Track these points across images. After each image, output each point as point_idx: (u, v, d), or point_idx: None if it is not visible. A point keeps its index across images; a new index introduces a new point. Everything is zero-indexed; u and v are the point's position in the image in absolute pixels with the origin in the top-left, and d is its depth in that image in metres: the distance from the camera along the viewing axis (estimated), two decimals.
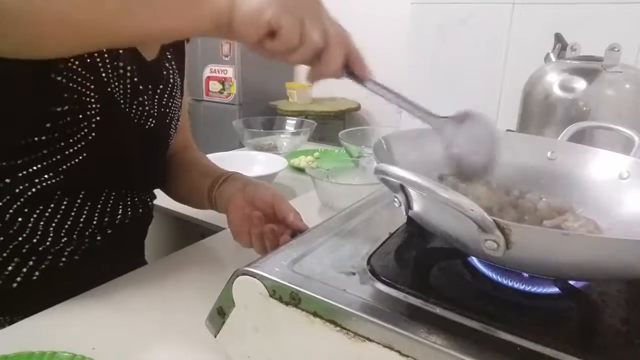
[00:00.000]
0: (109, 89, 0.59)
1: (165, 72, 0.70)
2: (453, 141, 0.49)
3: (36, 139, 0.54)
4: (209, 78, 2.70)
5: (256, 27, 0.41)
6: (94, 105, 0.57)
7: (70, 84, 0.54)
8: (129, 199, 0.67)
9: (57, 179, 0.57)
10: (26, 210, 0.57)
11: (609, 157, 0.52)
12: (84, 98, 0.55)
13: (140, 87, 0.63)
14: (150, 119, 0.66)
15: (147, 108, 0.65)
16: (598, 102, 0.77)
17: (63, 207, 0.59)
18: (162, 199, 0.80)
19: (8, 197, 0.56)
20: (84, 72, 0.55)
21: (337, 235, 0.48)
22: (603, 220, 0.48)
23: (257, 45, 0.43)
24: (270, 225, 0.59)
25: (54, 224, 0.59)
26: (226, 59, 2.61)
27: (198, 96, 2.78)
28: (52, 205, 0.58)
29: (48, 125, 0.54)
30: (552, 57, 0.88)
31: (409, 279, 0.40)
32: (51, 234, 0.59)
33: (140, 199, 0.70)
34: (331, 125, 2.53)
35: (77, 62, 0.55)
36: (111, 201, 0.64)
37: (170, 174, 0.78)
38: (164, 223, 0.91)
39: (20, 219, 0.57)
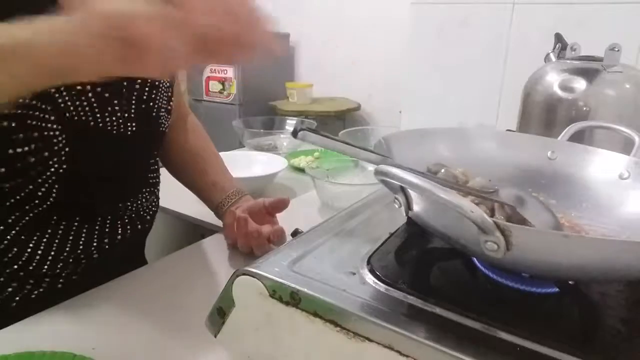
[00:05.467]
0: (68, 115, 0.53)
1: None
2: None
3: (6, 185, 0.52)
4: (209, 78, 2.70)
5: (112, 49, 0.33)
6: (59, 138, 0.53)
7: (28, 121, 0.50)
8: (127, 218, 0.66)
9: (46, 205, 0.55)
10: (23, 237, 0.56)
11: (609, 157, 0.52)
12: (45, 133, 0.51)
13: (107, 94, 0.57)
14: (130, 123, 0.61)
15: (124, 114, 0.60)
16: (598, 102, 0.77)
17: (60, 232, 0.58)
18: (163, 199, 0.80)
19: (2, 227, 0.55)
20: (38, 104, 0.51)
21: (337, 235, 0.48)
22: (603, 220, 0.48)
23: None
24: (255, 225, 0.64)
25: (53, 251, 0.58)
26: None
27: (198, 96, 2.77)
28: (49, 231, 0.57)
29: (3, 170, 0.51)
30: (552, 57, 0.88)
31: (409, 279, 0.40)
32: (49, 260, 0.58)
33: (138, 215, 0.68)
34: (331, 125, 2.53)
35: (26, 99, 0.50)
36: (108, 222, 0.63)
37: (168, 147, 0.77)
38: (164, 223, 0.91)
39: (16, 247, 0.56)
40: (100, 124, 0.57)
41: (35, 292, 0.59)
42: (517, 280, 0.40)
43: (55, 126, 0.52)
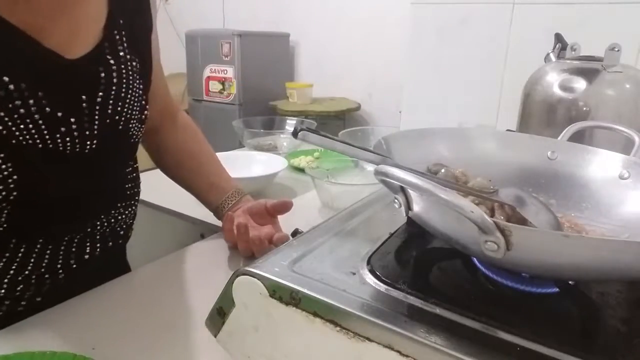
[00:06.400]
0: (14, 142, 0.47)
1: (103, 73, 0.55)
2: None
3: None
4: (209, 78, 2.70)
5: None
6: (4, 166, 0.48)
7: None
8: (98, 235, 0.61)
9: (1, 229, 0.51)
10: None
11: (609, 157, 0.52)
12: None
13: (60, 113, 0.51)
14: (90, 141, 0.55)
15: (84, 132, 0.54)
16: (598, 102, 0.77)
17: (20, 254, 0.53)
18: (163, 199, 0.80)
19: None
20: None
21: (337, 236, 0.48)
22: (603, 220, 0.48)
23: None
24: (257, 232, 0.63)
25: (10, 272, 0.53)
26: (226, 59, 2.61)
27: (198, 96, 2.78)
28: (7, 255, 0.52)
29: None
30: (552, 57, 0.88)
31: (409, 279, 0.40)
32: (5, 282, 0.54)
33: (112, 230, 0.64)
34: (331, 125, 2.53)
35: None
36: (76, 241, 0.58)
37: (160, 149, 0.76)
38: (163, 223, 0.91)
39: None
40: (51, 146, 0.51)
41: None
42: (517, 280, 0.40)
43: None
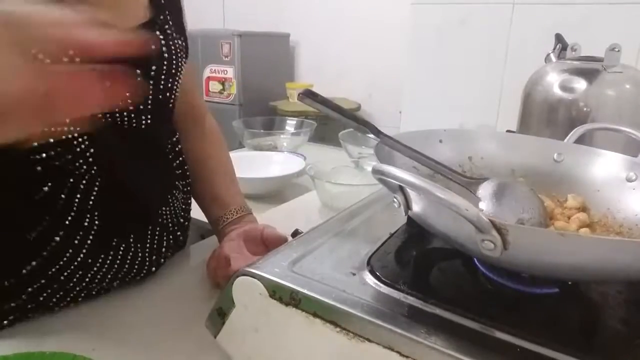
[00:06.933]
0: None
1: (154, 46, 0.55)
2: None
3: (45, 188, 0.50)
4: (209, 78, 2.70)
5: None
6: (79, 140, 0.50)
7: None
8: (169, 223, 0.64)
9: (98, 221, 0.53)
10: (89, 260, 0.54)
11: (616, 159, 0.52)
12: (64, 137, 0.49)
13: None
14: (145, 116, 0.57)
15: (139, 106, 0.56)
16: (598, 103, 0.77)
17: (121, 252, 0.57)
18: None
19: (70, 251, 0.53)
20: None
21: (337, 236, 0.48)
22: (609, 222, 0.48)
23: None
24: (234, 268, 0.57)
25: (114, 268, 0.57)
26: (226, 59, 2.61)
27: None
28: (111, 253, 0.56)
29: (39, 168, 0.49)
30: (553, 57, 0.88)
31: (409, 280, 0.40)
32: (107, 279, 0.57)
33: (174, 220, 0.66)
34: (331, 125, 2.53)
35: None
36: (157, 234, 0.62)
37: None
38: None
39: (80, 272, 0.54)
40: (110, 119, 0.53)
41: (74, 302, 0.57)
42: (517, 281, 0.40)
43: (72, 128, 0.49)
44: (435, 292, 0.40)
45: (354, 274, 0.41)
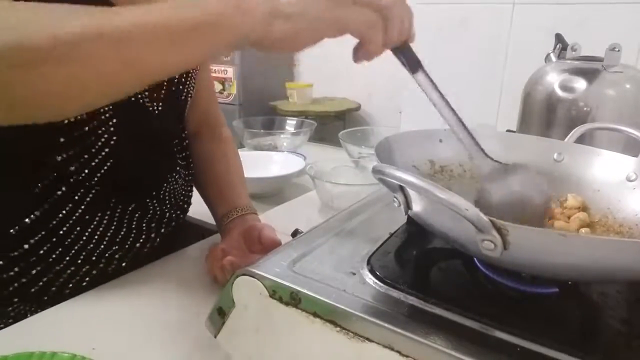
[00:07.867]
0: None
1: None
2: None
3: (64, 155, 0.55)
4: None
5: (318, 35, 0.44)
6: (105, 108, 0.56)
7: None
8: (168, 203, 0.68)
9: (101, 185, 0.58)
10: (87, 217, 0.59)
11: (616, 159, 0.52)
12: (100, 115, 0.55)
13: None
14: (157, 103, 0.63)
15: (152, 93, 0.62)
16: (598, 103, 0.77)
17: (117, 214, 0.61)
18: None
19: (70, 205, 0.57)
20: None
21: (337, 236, 0.48)
22: (609, 222, 0.48)
23: None
24: (230, 258, 0.58)
25: (110, 232, 0.61)
26: (226, 59, 2.61)
27: None
28: (108, 213, 0.60)
29: (63, 140, 0.54)
30: (553, 57, 0.88)
31: (409, 279, 0.40)
32: (105, 242, 0.61)
33: (175, 200, 0.70)
34: (331, 125, 2.52)
35: None
36: (157, 204, 0.66)
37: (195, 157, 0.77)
38: None
39: (78, 227, 0.58)
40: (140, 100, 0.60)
41: (87, 279, 0.61)
42: (517, 281, 0.40)
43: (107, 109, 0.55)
44: (436, 291, 0.40)
45: (354, 274, 0.41)
